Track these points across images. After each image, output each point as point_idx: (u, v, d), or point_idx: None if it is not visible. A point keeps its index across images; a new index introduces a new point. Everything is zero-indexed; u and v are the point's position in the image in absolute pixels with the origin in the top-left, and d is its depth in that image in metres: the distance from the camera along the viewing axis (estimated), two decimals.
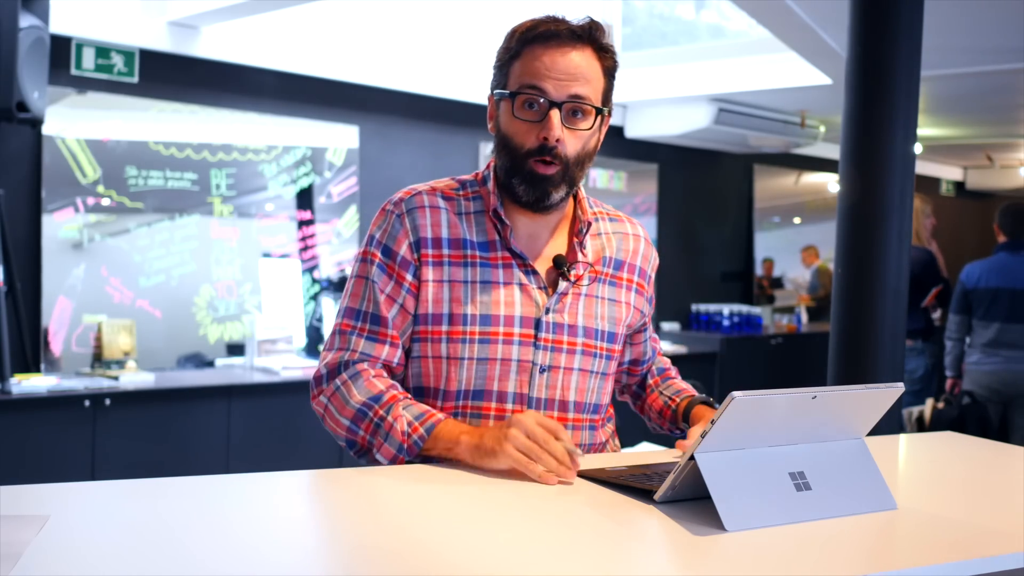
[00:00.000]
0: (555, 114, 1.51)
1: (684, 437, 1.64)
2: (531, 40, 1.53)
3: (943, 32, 3.98)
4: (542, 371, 1.57)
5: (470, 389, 1.56)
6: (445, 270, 1.57)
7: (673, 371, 1.87)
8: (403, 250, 1.58)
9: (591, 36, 1.54)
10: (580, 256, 1.63)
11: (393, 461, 1.51)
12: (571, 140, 1.53)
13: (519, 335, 1.56)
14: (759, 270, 7.69)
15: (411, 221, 1.58)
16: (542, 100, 1.52)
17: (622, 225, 1.73)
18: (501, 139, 1.57)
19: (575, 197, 1.67)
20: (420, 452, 1.49)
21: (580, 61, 1.53)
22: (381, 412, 1.51)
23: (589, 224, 1.65)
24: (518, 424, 1.40)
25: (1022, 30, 4.12)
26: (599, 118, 1.56)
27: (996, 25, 4.12)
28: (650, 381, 1.84)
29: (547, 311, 1.58)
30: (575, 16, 1.56)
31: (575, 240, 1.64)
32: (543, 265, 1.61)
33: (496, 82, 1.59)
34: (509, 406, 1.56)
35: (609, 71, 1.57)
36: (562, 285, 1.60)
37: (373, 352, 1.57)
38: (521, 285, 1.58)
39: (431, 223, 1.58)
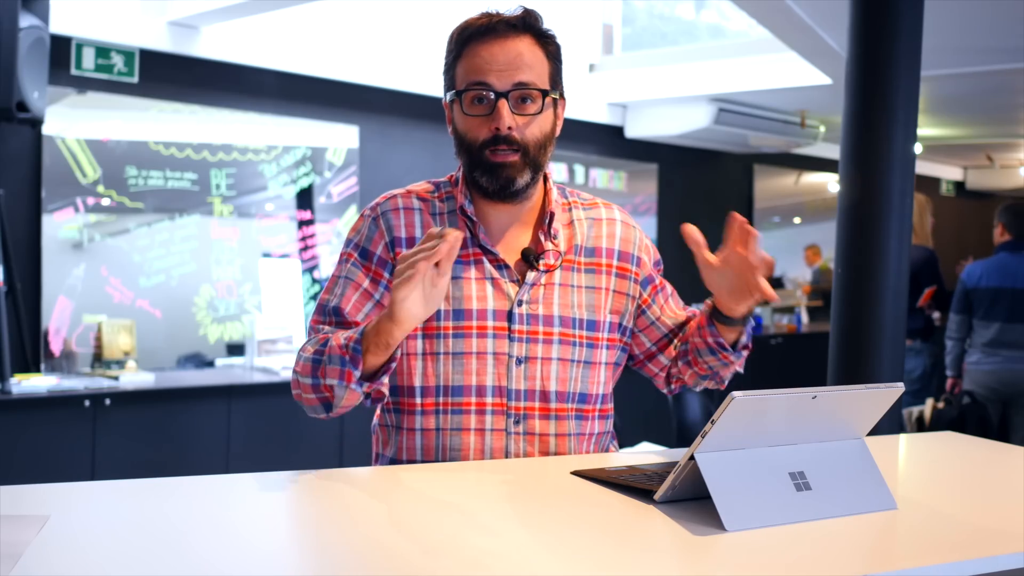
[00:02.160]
0: (503, 104, 1.55)
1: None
2: (469, 38, 1.58)
3: (943, 32, 3.98)
4: (519, 363, 1.59)
5: (448, 385, 1.58)
6: None
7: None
8: (379, 250, 1.62)
9: (527, 24, 1.58)
10: (549, 246, 1.64)
11: (342, 380, 1.45)
12: (525, 125, 1.57)
13: (492, 328, 1.58)
14: None
15: (386, 222, 1.63)
16: (489, 93, 1.56)
17: (596, 211, 1.73)
18: (458, 137, 1.61)
19: (545, 188, 1.68)
20: (362, 358, 1.43)
21: (520, 49, 1.57)
22: (325, 350, 1.48)
23: (552, 215, 1.65)
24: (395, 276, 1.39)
25: (1022, 30, 4.12)
26: (551, 101, 1.60)
27: (995, 25, 4.12)
28: (683, 348, 1.74)
29: (519, 303, 1.59)
30: (511, 7, 1.60)
31: (541, 231, 1.65)
32: (514, 258, 1.63)
33: (445, 86, 1.64)
34: (489, 399, 1.58)
35: (552, 55, 1.61)
36: (531, 276, 1.61)
37: None
38: (492, 279, 1.60)
39: (405, 224, 1.63)
